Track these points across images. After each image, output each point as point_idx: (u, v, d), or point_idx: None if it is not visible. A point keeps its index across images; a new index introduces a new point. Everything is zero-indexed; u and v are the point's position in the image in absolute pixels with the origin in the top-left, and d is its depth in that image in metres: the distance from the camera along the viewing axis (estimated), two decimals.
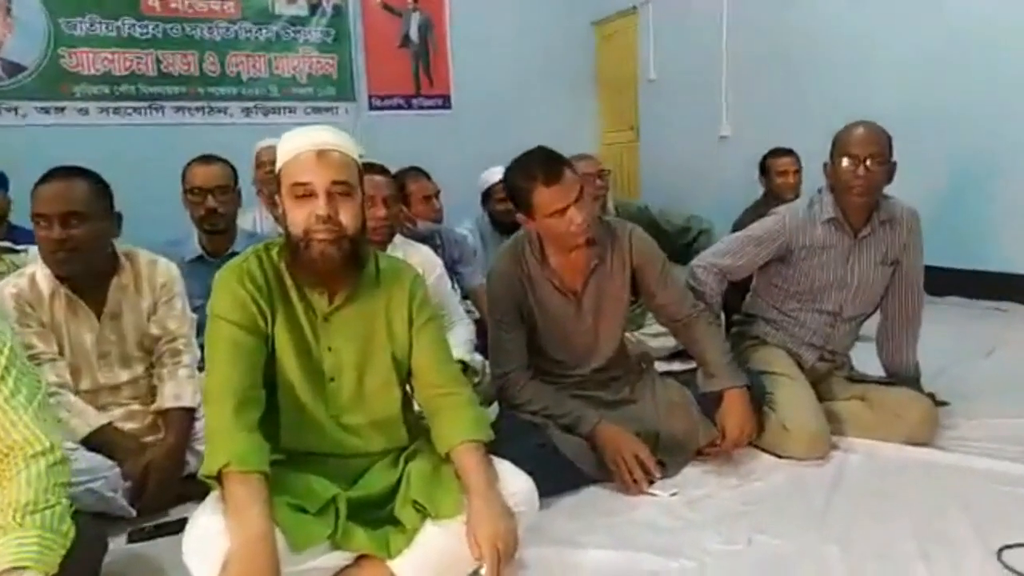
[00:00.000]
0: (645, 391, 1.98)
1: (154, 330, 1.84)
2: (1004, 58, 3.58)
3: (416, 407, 1.53)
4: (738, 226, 3.20)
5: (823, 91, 4.58)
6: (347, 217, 1.33)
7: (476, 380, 2.06)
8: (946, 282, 3.92)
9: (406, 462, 1.42)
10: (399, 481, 1.39)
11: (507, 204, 3.28)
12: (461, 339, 2.14)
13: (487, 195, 3.39)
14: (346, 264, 1.36)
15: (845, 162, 1.99)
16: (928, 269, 3.93)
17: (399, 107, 6.37)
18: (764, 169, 3.36)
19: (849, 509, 1.63)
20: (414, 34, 6.33)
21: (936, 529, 1.52)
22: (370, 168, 2.06)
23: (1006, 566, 1.37)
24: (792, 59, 4.79)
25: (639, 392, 1.99)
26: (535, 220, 1.82)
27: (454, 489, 1.33)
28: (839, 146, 2.03)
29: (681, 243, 3.03)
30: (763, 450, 1.93)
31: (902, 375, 2.19)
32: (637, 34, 6.26)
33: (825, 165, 2.09)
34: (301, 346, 1.39)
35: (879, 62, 4.22)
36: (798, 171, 3.25)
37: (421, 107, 6.43)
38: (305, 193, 1.32)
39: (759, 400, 1.93)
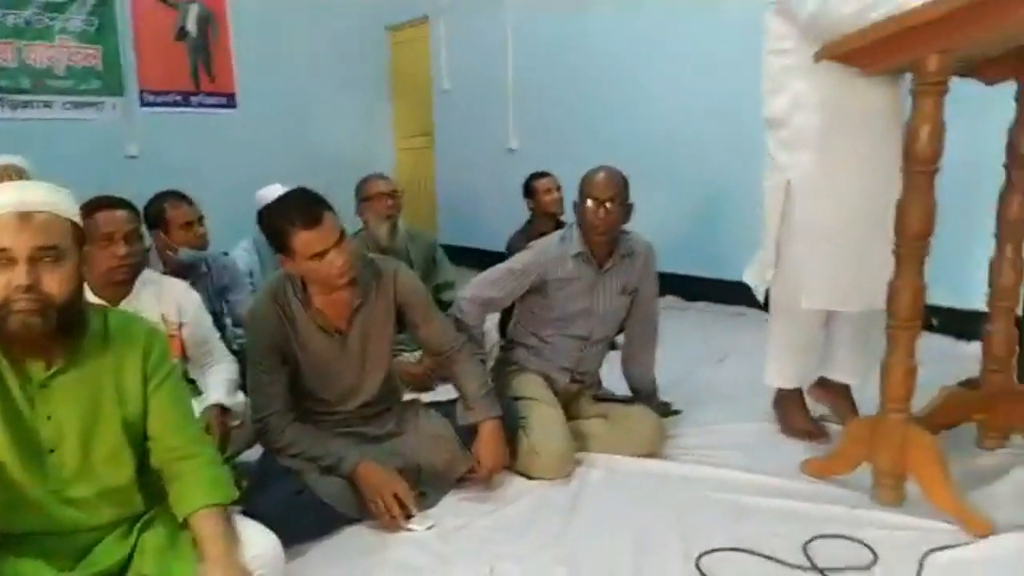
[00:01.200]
0: (409, 424, 2.05)
1: None
2: (748, 93, 4.07)
3: None
4: (510, 246, 3.38)
5: (601, 111, 4.93)
6: (54, 285, 1.24)
7: (236, 423, 2.01)
8: (697, 289, 4.42)
9: (140, 532, 1.37)
10: (133, 554, 1.34)
11: None
12: (221, 379, 2.07)
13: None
14: (56, 333, 1.27)
15: (589, 203, 2.19)
16: (681, 277, 4.44)
17: (176, 104, 5.95)
18: (529, 191, 3.57)
19: (583, 527, 1.81)
20: (192, 27, 5.93)
21: (651, 540, 1.73)
22: (109, 203, 1.94)
23: (701, 572, 1.59)
24: (573, 78, 5.09)
25: (404, 424, 2.05)
26: (294, 262, 1.81)
27: (190, 559, 1.30)
28: (584, 189, 2.23)
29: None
30: (518, 473, 2.07)
31: (642, 390, 2.46)
32: (430, 43, 6.34)
33: (575, 204, 2.28)
34: (11, 417, 1.28)
35: (649, 90, 4.59)
36: (559, 188, 3.49)
37: (202, 105, 6.05)
38: (3, 259, 1.22)
39: (514, 426, 2.07)
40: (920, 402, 2.10)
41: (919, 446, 1.80)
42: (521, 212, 3.85)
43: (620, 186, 2.22)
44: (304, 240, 1.76)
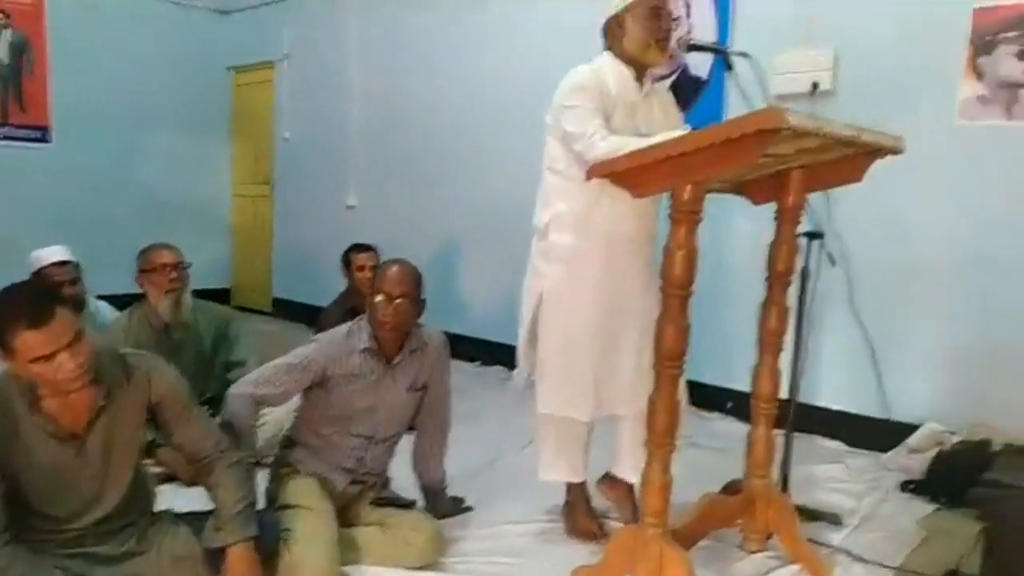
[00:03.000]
0: (153, 541, 1.86)
1: None
2: None
3: None
4: (322, 320, 3.25)
5: (442, 174, 4.93)
6: None
7: None
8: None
9: None
10: None
11: (73, 288, 2.93)
12: None
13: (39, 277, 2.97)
14: None
15: (379, 299, 2.13)
16: (510, 347, 4.45)
17: None
18: (346, 263, 3.46)
19: None
20: (3, 53, 5.44)
21: None
22: None
23: None
24: (416, 138, 5.08)
25: (147, 542, 1.85)
26: (16, 363, 1.60)
27: None
28: (375, 283, 2.17)
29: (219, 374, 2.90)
30: None
31: (431, 488, 2.41)
32: (274, 89, 6.15)
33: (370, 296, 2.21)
34: None
35: (490, 155, 4.63)
36: (375, 266, 3.40)
37: (11, 137, 5.53)
38: None
39: (275, 543, 1.93)
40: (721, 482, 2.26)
41: (673, 561, 1.83)
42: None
43: (412, 282, 2.17)
44: (27, 341, 1.56)
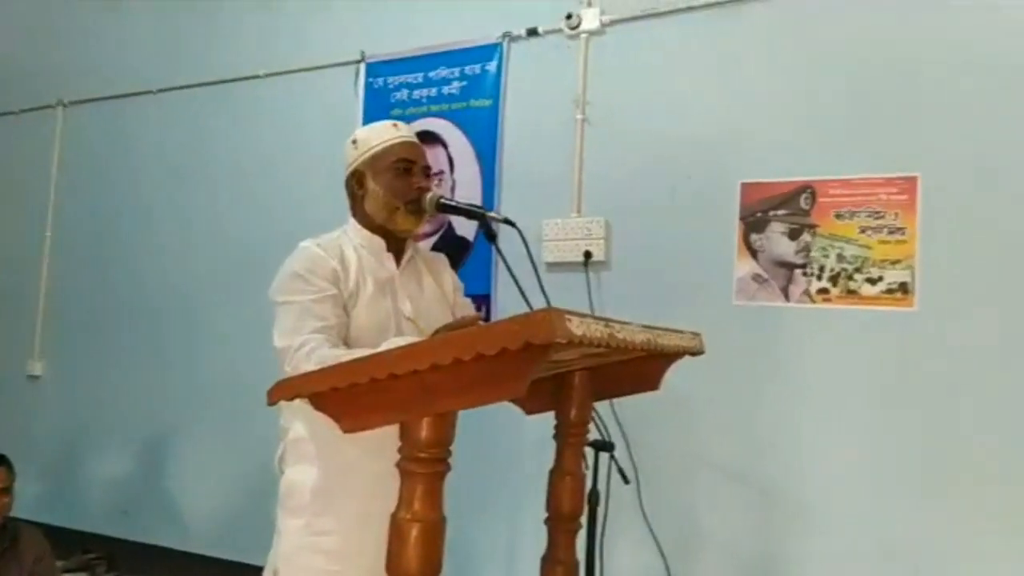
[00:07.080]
0: None
1: None
2: None
3: None
4: None
5: (152, 343, 3.96)
6: None
7: None
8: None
9: None
10: None
11: None
12: None
13: None
14: None
15: None
16: (235, 565, 3.39)
17: None
18: None
19: None
20: None
21: None
22: None
23: None
24: (121, 295, 4.09)
25: None
26: None
27: None
28: None
29: None
30: None
31: None
32: None
33: None
34: None
35: (214, 320, 3.79)
36: (7, 489, 2.35)
37: None
38: None
39: None
40: None
41: None
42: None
43: None
44: None
